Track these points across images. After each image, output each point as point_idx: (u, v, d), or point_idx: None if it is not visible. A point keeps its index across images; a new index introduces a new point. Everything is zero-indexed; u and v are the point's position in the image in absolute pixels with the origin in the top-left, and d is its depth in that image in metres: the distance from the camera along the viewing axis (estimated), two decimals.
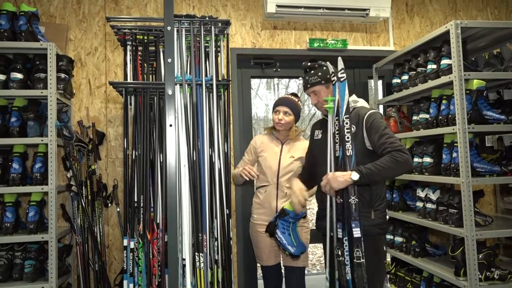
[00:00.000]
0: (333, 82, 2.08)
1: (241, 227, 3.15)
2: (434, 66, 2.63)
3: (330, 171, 2.02)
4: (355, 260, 1.88)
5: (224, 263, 2.44)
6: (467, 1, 3.65)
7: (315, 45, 3.32)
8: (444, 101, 2.54)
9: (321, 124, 2.30)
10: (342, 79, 2.03)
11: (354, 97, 2.27)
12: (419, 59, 2.83)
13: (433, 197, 2.66)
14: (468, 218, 2.28)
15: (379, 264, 2.09)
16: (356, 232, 1.90)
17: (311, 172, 2.34)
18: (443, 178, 2.52)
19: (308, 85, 2.21)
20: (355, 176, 1.88)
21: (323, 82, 2.18)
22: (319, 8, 3.17)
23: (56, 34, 2.95)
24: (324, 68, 2.19)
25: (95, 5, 3.11)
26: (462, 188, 2.32)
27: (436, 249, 2.91)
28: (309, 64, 2.24)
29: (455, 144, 2.40)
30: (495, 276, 2.32)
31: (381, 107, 3.40)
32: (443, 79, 2.49)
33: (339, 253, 1.95)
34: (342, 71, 2.03)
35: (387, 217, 2.15)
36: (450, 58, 2.44)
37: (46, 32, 2.82)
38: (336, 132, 2.02)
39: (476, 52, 2.92)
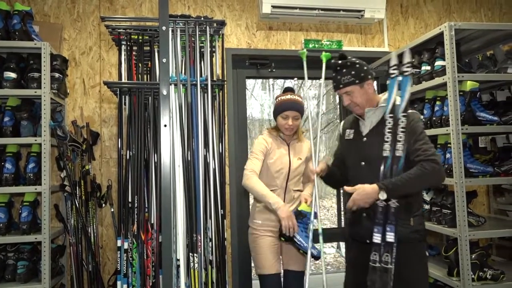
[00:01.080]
0: (393, 76, 1.92)
1: (235, 228, 3.15)
2: (428, 68, 2.65)
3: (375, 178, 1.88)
4: (381, 265, 1.80)
5: (218, 264, 2.44)
6: (461, 3, 3.67)
7: (310, 46, 3.32)
8: (438, 102, 2.56)
9: (353, 123, 2.15)
10: (406, 74, 1.89)
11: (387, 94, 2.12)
12: (413, 60, 2.84)
13: (427, 197, 2.68)
14: (461, 218, 2.29)
15: (424, 270, 1.99)
16: (390, 237, 1.81)
17: (341, 172, 2.23)
18: None
19: (341, 86, 2.01)
20: (383, 196, 1.79)
21: (357, 81, 1.98)
22: (314, 9, 3.17)
23: (50, 33, 2.93)
24: (357, 65, 2.01)
25: (89, 4, 3.09)
26: (455, 189, 2.34)
27: (430, 249, 2.93)
28: (340, 62, 2.03)
29: (449, 145, 2.42)
30: (487, 276, 2.34)
31: None
32: (437, 81, 2.51)
33: (376, 258, 1.82)
34: (408, 65, 1.89)
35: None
36: (444, 59, 2.45)
37: (40, 31, 2.80)
38: (388, 130, 1.87)
39: (469, 53, 2.94)
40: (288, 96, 2.49)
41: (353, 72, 1.99)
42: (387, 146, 1.86)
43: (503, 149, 2.72)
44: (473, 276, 2.29)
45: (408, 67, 1.89)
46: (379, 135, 1.92)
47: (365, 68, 2.02)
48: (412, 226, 1.90)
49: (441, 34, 2.45)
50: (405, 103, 1.86)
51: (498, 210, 3.51)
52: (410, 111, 1.95)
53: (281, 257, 2.50)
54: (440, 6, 3.63)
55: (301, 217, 2.23)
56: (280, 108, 2.48)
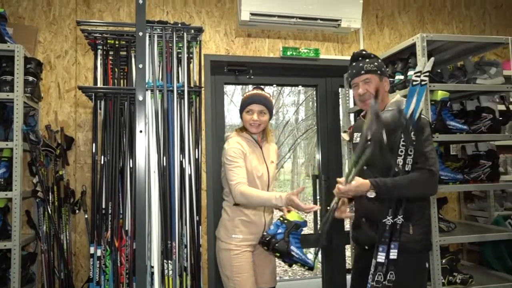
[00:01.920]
0: (414, 84, 1.90)
1: (212, 234, 3.13)
2: (402, 77, 2.71)
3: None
4: (385, 282, 1.76)
5: (193, 271, 2.42)
6: (434, 15, 3.79)
7: (288, 53, 3.36)
8: None
9: (361, 127, 2.07)
10: (423, 83, 1.87)
11: (398, 96, 2.13)
12: (388, 69, 2.90)
13: None
14: (432, 224, 2.35)
15: (422, 284, 1.93)
16: (393, 254, 1.78)
17: None
18: None
19: (363, 71, 2.02)
20: (371, 194, 1.78)
21: (379, 72, 2.02)
22: (292, 17, 3.22)
23: (24, 36, 2.88)
24: (380, 61, 2.07)
25: (66, 7, 3.05)
26: None
27: None
28: (364, 52, 2.09)
29: None
30: (457, 280, 2.40)
31: (351, 115, 3.47)
32: None
33: (380, 279, 1.78)
34: (427, 73, 1.88)
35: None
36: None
37: (14, 34, 2.75)
38: (402, 143, 1.83)
39: (441, 64, 3.03)
40: (254, 91, 2.39)
41: (376, 63, 2.04)
42: (400, 160, 1.83)
43: (472, 157, 2.80)
44: (443, 281, 2.36)
45: (426, 76, 1.89)
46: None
47: (385, 67, 2.09)
48: (410, 235, 1.85)
49: (413, 45, 2.52)
50: (418, 113, 1.85)
51: (468, 215, 3.62)
52: (420, 115, 1.93)
53: None
54: (414, 18, 3.74)
55: (295, 228, 2.16)
56: (244, 103, 2.36)
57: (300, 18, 3.23)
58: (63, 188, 2.77)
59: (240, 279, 2.20)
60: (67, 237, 2.78)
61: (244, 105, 2.36)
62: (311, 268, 2.17)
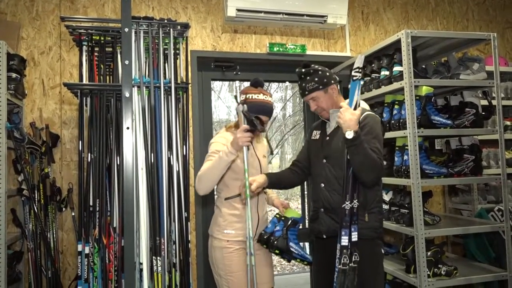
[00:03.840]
0: (354, 79, 1.97)
1: (200, 230, 3.14)
2: (387, 73, 2.75)
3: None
4: (351, 264, 1.83)
5: (182, 267, 2.43)
6: (419, 11, 3.83)
7: (275, 49, 3.37)
8: (396, 106, 2.66)
9: (320, 125, 2.25)
10: (354, 78, 1.96)
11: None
12: (373, 65, 2.94)
13: (386, 198, 2.78)
14: (417, 217, 2.39)
15: (377, 268, 2.04)
16: (354, 236, 1.86)
17: (304, 169, 2.29)
18: (395, 180, 2.64)
19: (306, 92, 2.11)
20: (349, 135, 1.83)
21: (320, 87, 2.08)
22: (279, 13, 3.22)
23: (7, 32, 2.83)
24: (320, 72, 2.10)
25: (49, 3, 3.00)
26: (412, 189, 2.44)
27: (389, 248, 3.04)
28: (303, 70, 2.12)
29: (406, 147, 2.52)
30: (442, 272, 2.45)
31: None
32: (395, 85, 2.61)
33: (346, 261, 1.85)
34: (357, 69, 1.96)
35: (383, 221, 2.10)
36: (401, 65, 2.56)
37: None
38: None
39: (426, 60, 3.07)
40: (261, 97, 2.23)
41: (316, 79, 2.08)
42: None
43: (456, 151, 2.85)
44: (428, 273, 2.40)
45: (357, 72, 1.96)
46: (339, 136, 2.03)
47: (327, 73, 2.11)
48: (366, 222, 1.96)
49: (398, 41, 2.55)
50: (352, 107, 1.94)
51: (453, 209, 3.69)
52: (368, 112, 2.06)
53: None
54: (399, 14, 3.78)
55: (293, 225, 2.18)
56: (255, 109, 2.18)
57: (286, 14, 3.24)
58: (49, 186, 2.74)
59: (233, 277, 2.15)
60: (54, 235, 2.75)
61: (253, 111, 2.16)
62: (310, 263, 2.21)
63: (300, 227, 2.28)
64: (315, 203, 2.16)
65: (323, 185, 2.08)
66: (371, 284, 1.98)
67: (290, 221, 2.19)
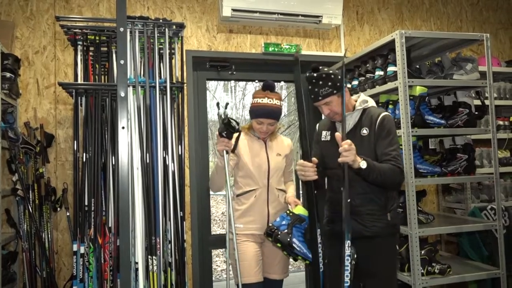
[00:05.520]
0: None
1: (196, 230, 3.14)
2: (382, 73, 2.76)
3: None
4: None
5: (178, 266, 2.43)
6: (413, 11, 3.86)
7: (270, 49, 3.38)
8: (390, 106, 2.68)
9: (329, 125, 2.24)
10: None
11: (363, 96, 2.21)
12: (368, 65, 2.96)
13: None
14: (411, 216, 2.41)
15: (396, 265, 2.16)
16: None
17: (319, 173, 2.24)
18: None
19: (320, 98, 2.07)
20: (363, 164, 1.84)
21: (335, 92, 2.06)
22: (274, 13, 3.23)
23: (1, 31, 2.81)
24: (333, 76, 2.06)
25: (44, 2, 2.99)
26: (406, 188, 2.45)
27: None
28: (315, 75, 2.07)
29: (400, 147, 2.53)
30: (435, 270, 2.47)
31: None
32: (389, 85, 2.63)
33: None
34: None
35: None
36: (395, 65, 2.57)
37: None
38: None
39: (420, 60, 3.09)
40: (265, 100, 2.35)
41: (330, 83, 2.05)
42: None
43: (449, 150, 2.88)
44: (422, 271, 2.42)
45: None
46: (356, 138, 2.03)
47: (340, 77, 2.08)
48: (389, 221, 2.05)
49: (392, 41, 2.57)
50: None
51: (446, 207, 3.72)
52: (384, 113, 2.11)
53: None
54: (393, 14, 3.80)
55: (299, 222, 2.22)
56: (255, 113, 2.37)
57: (281, 14, 3.25)
58: (44, 186, 2.73)
59: (243, 267, 2.27)
60: (49, 235, 2.74)
61: (255, 115, 2.39)
62: (311, 263, 2.21)
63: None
64: (334, 205, 2.15)
65: (342, 188, 1.96)
66: (393, 277, 2.12)
67: (296, 217, 2.25)
